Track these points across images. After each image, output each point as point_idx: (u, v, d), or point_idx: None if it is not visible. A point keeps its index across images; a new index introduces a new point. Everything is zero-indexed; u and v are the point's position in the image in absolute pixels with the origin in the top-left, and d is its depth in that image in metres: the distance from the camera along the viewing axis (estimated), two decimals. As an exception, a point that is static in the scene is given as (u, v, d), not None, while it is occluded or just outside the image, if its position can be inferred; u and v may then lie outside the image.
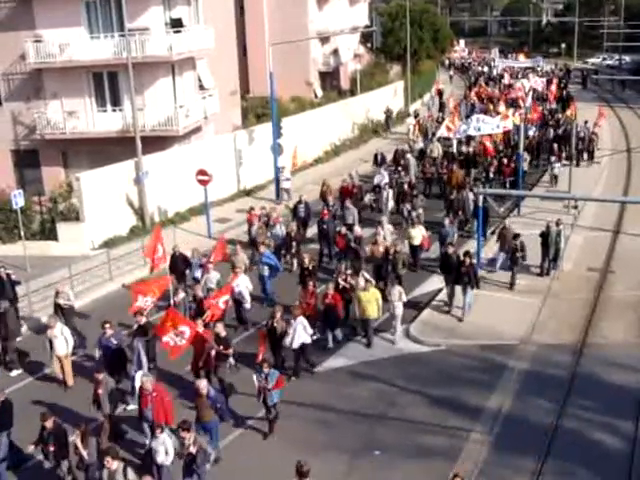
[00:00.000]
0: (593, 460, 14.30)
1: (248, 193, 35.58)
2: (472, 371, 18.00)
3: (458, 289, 20.94)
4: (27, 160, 34.71)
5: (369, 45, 61.22)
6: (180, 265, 22.42)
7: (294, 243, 25.02)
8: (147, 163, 29.89)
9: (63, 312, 19.70)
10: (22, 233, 25.92)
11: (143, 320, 17.45)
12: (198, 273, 22.31)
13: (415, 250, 24.85)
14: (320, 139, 43.54)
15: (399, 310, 19.61)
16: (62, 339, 17.64)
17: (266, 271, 22.10)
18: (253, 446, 15.26)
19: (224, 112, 39.37)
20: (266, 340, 17.53)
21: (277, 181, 34.52)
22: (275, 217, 26.48)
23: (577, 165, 37.10)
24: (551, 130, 41.85)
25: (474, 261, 21.31)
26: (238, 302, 20.44)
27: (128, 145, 30.18)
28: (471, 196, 27.74)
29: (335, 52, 59.95)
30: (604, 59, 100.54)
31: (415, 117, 48.15)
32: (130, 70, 29.15)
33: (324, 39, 56.08)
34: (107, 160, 29.84)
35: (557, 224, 23.79)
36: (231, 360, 17.03)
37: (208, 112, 36.86)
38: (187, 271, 22.74)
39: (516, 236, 23.02)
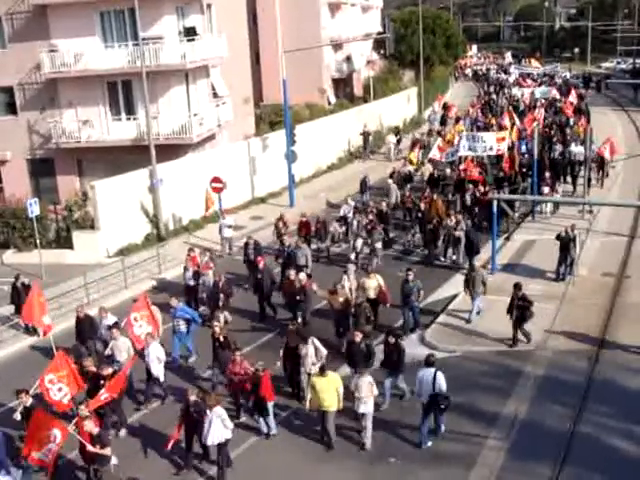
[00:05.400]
0: (610, 466, 14.18)
1: (262, 200, 35.68)
2: (488, 377, 17.92)
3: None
4: (42, 169, 34.99)
5: (382, 52, 61.28)
6: (87, 330, 18.71)
7: (222, 296, 20.69)
8: (161, 171, 30.06)
9: None
10: (38, 241, 26.13)
11: (30, 401, 14.72)
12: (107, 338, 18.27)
13: (374, 303, 19.78)
14: (333, 146, 43.65)
15: (369, 407, 14.89)
16: None
17: (183, 326, 19.04)
18: (259, 457, 15.23)
19: (238, 120, 39.52)
20: (181, 427, 14.61)
21: (291, 188, 34.64)
22: (205, 263, 22.55)
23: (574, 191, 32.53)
24: (557, 147, 37.04)
25: (401, 342, 17.08)
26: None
27: (142, 153, 30.37)
28: (458, 229, 25.13)
29: (348, 59, 60.06)
30: (618, 63, 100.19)
31: (396, 135, 44.79)
32: (144, 79, 29.35)
33: (337, 46, 56.27)
34: (122, 168, 30.07)
35: (572, 229, 23.72)
36: (114, 460, 13.91)
37: (222, 120, 37.04)
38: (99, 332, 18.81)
39: (517, 286, 19.21)
